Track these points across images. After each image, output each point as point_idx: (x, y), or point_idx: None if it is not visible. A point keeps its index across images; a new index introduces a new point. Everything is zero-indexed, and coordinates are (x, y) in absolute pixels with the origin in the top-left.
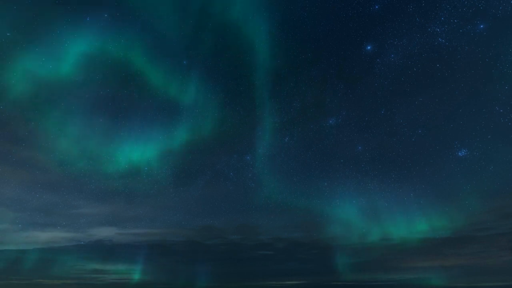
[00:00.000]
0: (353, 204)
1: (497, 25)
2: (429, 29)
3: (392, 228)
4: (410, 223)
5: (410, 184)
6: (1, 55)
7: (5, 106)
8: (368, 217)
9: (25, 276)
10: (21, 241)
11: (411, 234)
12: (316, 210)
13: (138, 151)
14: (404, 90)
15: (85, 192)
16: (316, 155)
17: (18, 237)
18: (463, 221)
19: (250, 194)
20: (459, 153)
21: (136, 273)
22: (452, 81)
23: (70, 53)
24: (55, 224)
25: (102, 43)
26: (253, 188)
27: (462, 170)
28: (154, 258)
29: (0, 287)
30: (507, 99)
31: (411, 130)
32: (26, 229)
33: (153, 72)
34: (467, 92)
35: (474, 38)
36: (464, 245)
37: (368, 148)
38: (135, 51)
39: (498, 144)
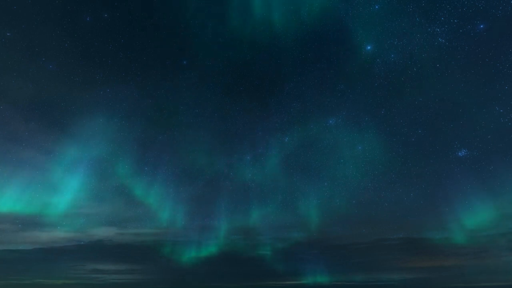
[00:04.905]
0: (353, 205)
1: (497, 25)
2: (429, 29)
3: (392, 228)
4: (410, 223)
5: (410, 184)
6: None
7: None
8: (368, 217)
9: (25, 276)
10: (21, 241)
11: (411, 234)
12: (316, 210)
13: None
14: (404, 90)
15: (85, 192)
16: (316, 155)
17: (18, 237)
18: (463, 221)
19: (250, 194)
20: (459, 153)
21: (136, 273)
22: (452, 81)
23: None
24: (55, 224)
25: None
26: (253, 188)
27: (462, 170)
28: (154, 258)
29: (0, 287)
30: (507, 99)
31: (411, 130)
32: (26, 229)
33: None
34: (467, 92)
35: (474, 38)
36: (464, 245)
37: (368, 148)
38: None
39: (498, 144)
